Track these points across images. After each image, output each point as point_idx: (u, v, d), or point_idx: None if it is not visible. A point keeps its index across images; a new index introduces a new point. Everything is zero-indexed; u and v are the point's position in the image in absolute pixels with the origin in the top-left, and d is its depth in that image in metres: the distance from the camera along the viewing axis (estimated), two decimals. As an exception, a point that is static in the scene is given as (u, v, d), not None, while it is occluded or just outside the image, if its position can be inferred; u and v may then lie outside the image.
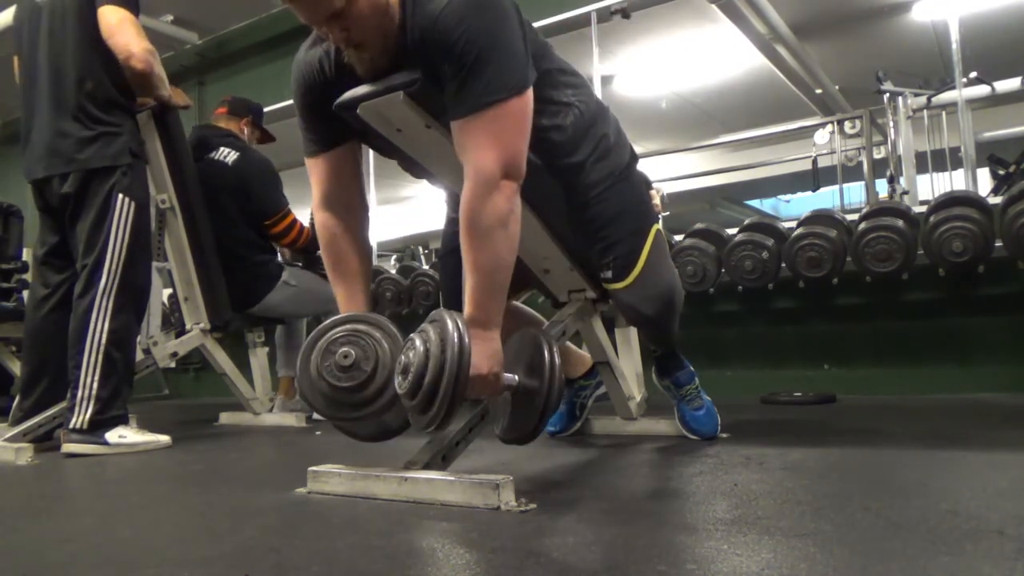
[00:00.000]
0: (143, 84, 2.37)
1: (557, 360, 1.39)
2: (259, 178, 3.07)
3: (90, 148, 2.31)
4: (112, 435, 2.23)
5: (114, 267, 2.29)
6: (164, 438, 2.36)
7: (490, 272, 1.37)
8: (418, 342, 1.30)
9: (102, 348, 2.23)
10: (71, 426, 2.20)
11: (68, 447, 2.20)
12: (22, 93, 2.47)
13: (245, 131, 3.23)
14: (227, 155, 3.05)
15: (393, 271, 4.01)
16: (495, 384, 1.38)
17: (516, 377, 1.41)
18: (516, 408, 1.44)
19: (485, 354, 1.34)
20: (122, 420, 2.29)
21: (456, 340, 1.26)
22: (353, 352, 1.37)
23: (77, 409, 2.20)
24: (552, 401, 1.38)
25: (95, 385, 2.22)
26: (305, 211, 3.19)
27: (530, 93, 1.41)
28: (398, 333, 1.44)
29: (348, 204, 1.62)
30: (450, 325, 1.28)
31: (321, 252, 1.65)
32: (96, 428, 2.21)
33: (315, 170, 1.60)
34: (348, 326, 1.43)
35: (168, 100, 2.48)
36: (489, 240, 1.35)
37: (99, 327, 2.24)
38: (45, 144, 2.36)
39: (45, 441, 2.33)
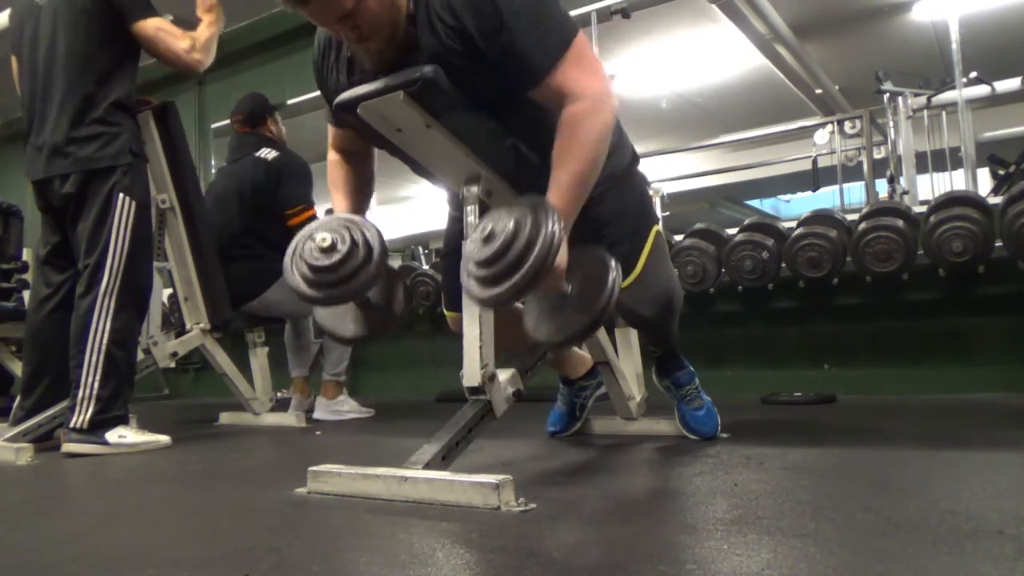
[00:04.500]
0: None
1: (619, 281, 1.41)
2: (294, 173, 3.21)
3: (91, 148, 2.31)
4: (112, 435, 2.23)
5: (116, 267, 2.29)
6: (164, 438, 2.36)
7: (587, 176, 1.43)
8: (507, 216, 1.32)
9: (103, 348, 2.23)
10: (71, 426, 2.20)
11: (68, 447, 2.20)
12: (22, 94, 2.47)
13: (274, 130, 3.34)
14: (268, 153, 3.23)
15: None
16: (559, 281, 1.41)
17: (569, 285, 1.43)
18: (562, 310, 1.45)
19: (563, 251, 1.37)
20: (122, 420, 2.29)
21: (552, 225, 1.29)
22: (330, 236, 1.44)
23: (78, 409, 2.20)
24: (607, 310, 1.39)
25: (96, 385, 2.22)
26: (323, 208, 3.24)
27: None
28: (377, 228, 1.51)
29: (360, 155, 1.75)
30: (549, 210, 1.31)
31: (328, 179, 1.75)
32: (96, 428, 2.21)
33: (333, 132, 1.74)
34: (329, 220, 1.52)
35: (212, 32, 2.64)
36: (596, 147, 1.42)
37: (101, 327, 2.24)
38: (46, 144, 2.35)
39: (45, 441, 2.33)
